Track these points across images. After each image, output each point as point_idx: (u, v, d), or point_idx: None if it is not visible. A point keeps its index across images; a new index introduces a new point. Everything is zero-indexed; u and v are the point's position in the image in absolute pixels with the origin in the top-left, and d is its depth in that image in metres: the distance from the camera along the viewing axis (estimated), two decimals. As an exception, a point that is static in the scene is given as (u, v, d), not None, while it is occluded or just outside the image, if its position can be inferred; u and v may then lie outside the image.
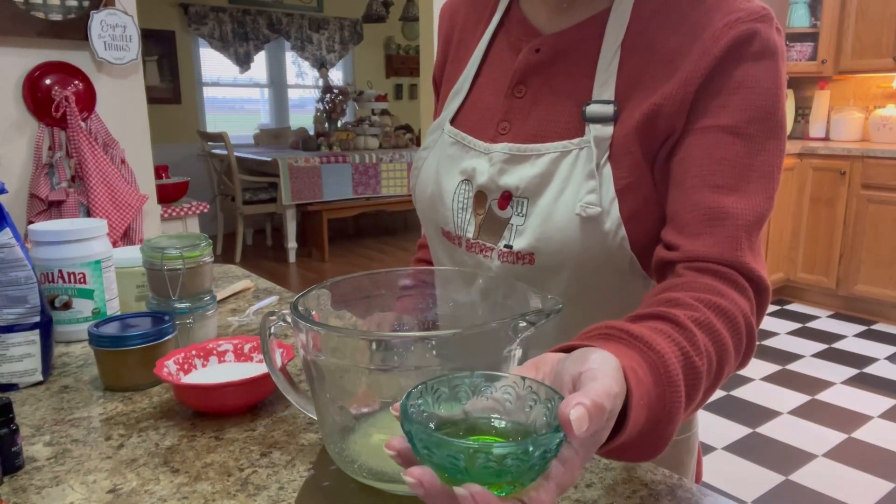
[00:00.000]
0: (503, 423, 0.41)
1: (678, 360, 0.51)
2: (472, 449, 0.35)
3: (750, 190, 0.63)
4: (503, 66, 0.79)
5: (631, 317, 0.56)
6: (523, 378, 0.42)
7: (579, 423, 0.37)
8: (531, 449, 0.35)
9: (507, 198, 0.73)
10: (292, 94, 6.98)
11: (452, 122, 0.82)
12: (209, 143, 5.42)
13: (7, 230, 0.79)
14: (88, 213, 2.10)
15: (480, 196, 0.76)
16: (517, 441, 0.37)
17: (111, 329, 0.80)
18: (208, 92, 6.37)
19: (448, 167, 0.80)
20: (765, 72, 0.64)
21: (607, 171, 0.68)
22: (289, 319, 0.59)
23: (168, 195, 2.83)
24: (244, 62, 6.42)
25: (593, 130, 0.69)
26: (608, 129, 0.68)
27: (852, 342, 3.54)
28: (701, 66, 0.64)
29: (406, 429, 0.37)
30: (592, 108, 0.69)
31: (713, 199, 0.63)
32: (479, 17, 0.84)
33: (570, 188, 0.69)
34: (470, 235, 0.77)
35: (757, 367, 3.20)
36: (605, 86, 0.69)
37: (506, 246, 0.73)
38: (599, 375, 0.41)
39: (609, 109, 0.68)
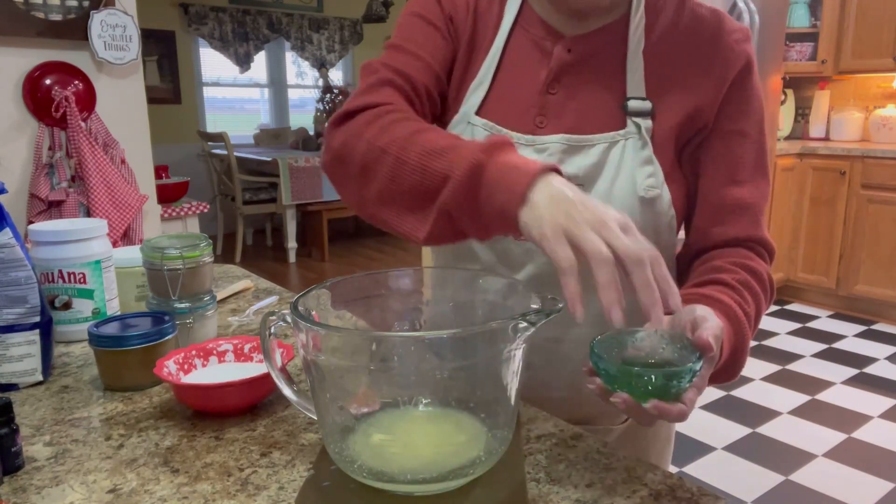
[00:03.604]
0: (654, 360, 0.59)
1: (739, 308, 0.70)
2: (656, 374, 0.54)
3: (760, 181, 0.81)
4: (528, 63, 0.83)
5: (695, 283, 0.75)
6: (655, 331, 0.58)
7: (713, 344, 0.55)
8: (690, 367, 0.54)
9: None
10: (292, 94, 6.98)
11: (477, 114, 0.83)
12: (209, 143, 5.42)
13: (7, 230, 0.79)
14: (88, 213, 2.10)
15: None
16: (678, 367, 0.55)
17: (111, 329, 0.80)
18: (208, 92, 6.37)
19: None
20: (758, 84, 0.82)
21: (654, 158, 0.78)
22: (289, 319, 0.59)
23: (168, 195, 2.83)
24: (244, 62, 6.42)
25: (640, 122, 0.78)
26: (648, 123, 0.78)
27: (852, 342, 3.54)
28: (726, 78, 0.79)
29: (603, 367, 0.55)
30: (633, 104, 0.78)
31: (737, 192, 0.80)
32: (491, 11, 0.86)
33: (622, 174, 0.77)
34: None
35: (757, 367, 3.20)
36: (636, 85, 0.79)
37: None
38: (709, 317, 0.59)
39: (647, 105, 0.78)
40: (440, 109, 0.87)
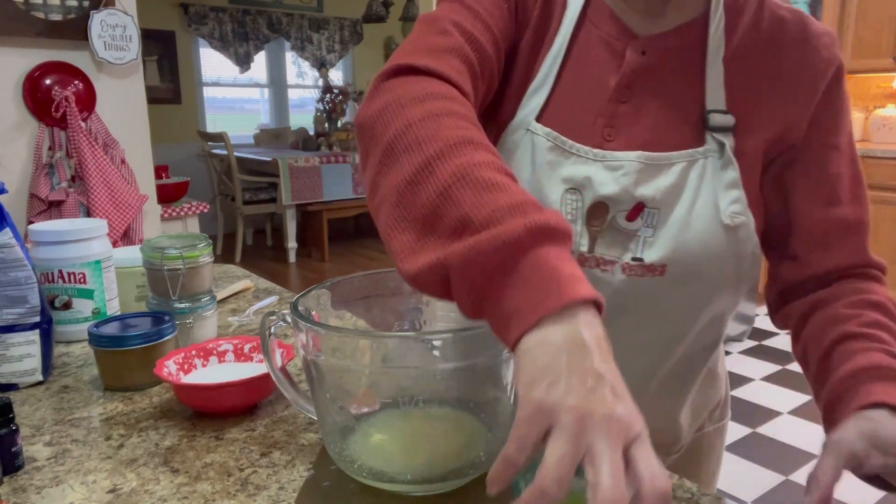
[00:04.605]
0: None
1: (888, 356, 0.62)
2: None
3: (859, 196, 0.73)
4: (596, 64, 0.73)
5: (822, 353, 0.67)
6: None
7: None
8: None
9: (638, 209, 0.70)
10: (292, 94, 6.98)
11: (538, 121, 0.74)
12: (209, 143, 5.42)
13: (7, 230, 0.79)
14: (88, 213, 2.10)
15: (600, 207, 0.70)
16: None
17: (111, 329, 0.80)
18: (208, 92, 6.37)
19: (548, 175, 0.72)
20: (847, 93, 0.73)
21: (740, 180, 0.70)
22: (289, 319, 0.59)
23: (168, 195, 2.83)
24: (244, 62, 6.42)
25: (722, 140, 0.69)
26: (730, 139, 0.70)
27: (852, 342, 3.54)
28: (817, 88, 0.70)
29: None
30: (715, 118, 0.69)
31: (839, 212, 0.72)
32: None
33: (702, 198, 0.69)
34: (584, 249, 0.72)
35: (757, 367, 3.20)
36: (716, 96, 0.70)
37: (634, 259, 0.70)
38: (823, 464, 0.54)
39: (730, 120, 0.70)
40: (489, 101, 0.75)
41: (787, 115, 0.70)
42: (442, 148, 0.49)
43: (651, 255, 0.69)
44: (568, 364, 0.40)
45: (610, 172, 0.70)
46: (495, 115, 0.77)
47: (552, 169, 0.72)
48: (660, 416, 0.81)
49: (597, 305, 0.43)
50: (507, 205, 0.44)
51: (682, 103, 0.71)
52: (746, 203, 0.70)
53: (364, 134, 0.57)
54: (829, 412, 0.64)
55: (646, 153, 0.69)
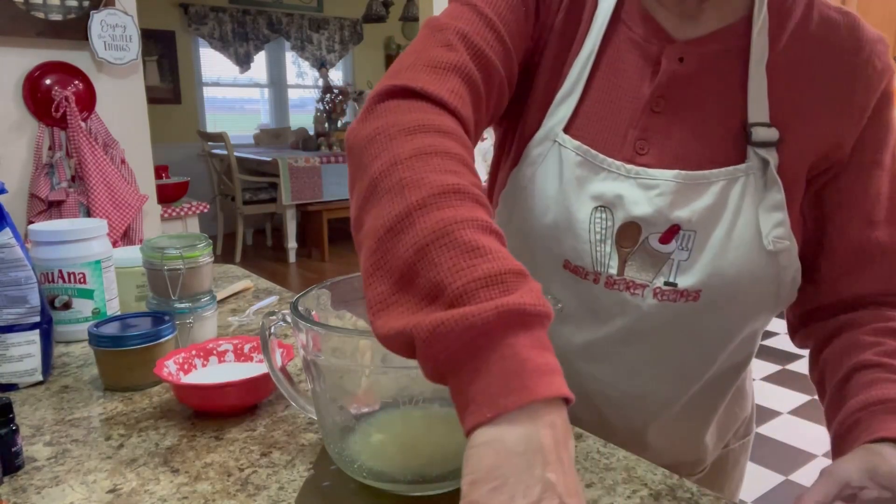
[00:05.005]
0: None
1: None
2: None
3: None
4: (629, 70, 0.68)
5: (837, 383, 0.64)
6: None
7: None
8: None
9: (673, 231, 0.65)
10: (292, 94, 6.98)
11: (565, 132, 0.69)
12: (209, 143, 5.42)
13: (7, 230, 0.79)
14: (88, 213, 2.10)
15: (631, 228, 0.66)
16: None
17: (111, 329, 0.80)
18: (208, 92, 6.37)
19: (577, 190, 0.67)
20: (894, 104, 0.67)
21: (784, 201, 0.64)
22: (289, 319, 0.59)
23: (168, 195, 2.83)
24: (244, 62, 6.42)
25: (766, 156, 0.64)
26: (774, 155, 0.64)
27: (852, 342, 3.54)
28: (867, 103, 0.65)
29: None
30: (759, 132, 0.64)
31: (872, 235, 0.66)
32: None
33: (742, 220, 0.64)
34: (613, 271, 0.67)
35: (757, 367, 3.19)
36: (759, 107, 0.64)
37: (667, 283, 0.66)
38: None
39: (774, 134, 0.64)
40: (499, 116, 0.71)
41: (835, 130, 0.65)
42: (426, 197, 0.45)
43: (685, 281, 0.65)
44: (517, 469, 0.36)
45: (643, 191, 0.65)
46: (518, 123, 0.72)
47: (581, 185, 0.67)
48: (684, 438, 0.78)
49: (566, 401, 0.40)
50: (484, 276, 0.40)
51: (722, 115, 0.65)
52: (790, 226, 0.65)
53: (353, 156, 0.54)
54: (839, 442, 0.62)
55: (683, 172, 0.64)
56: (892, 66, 0.65)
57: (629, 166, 0.66)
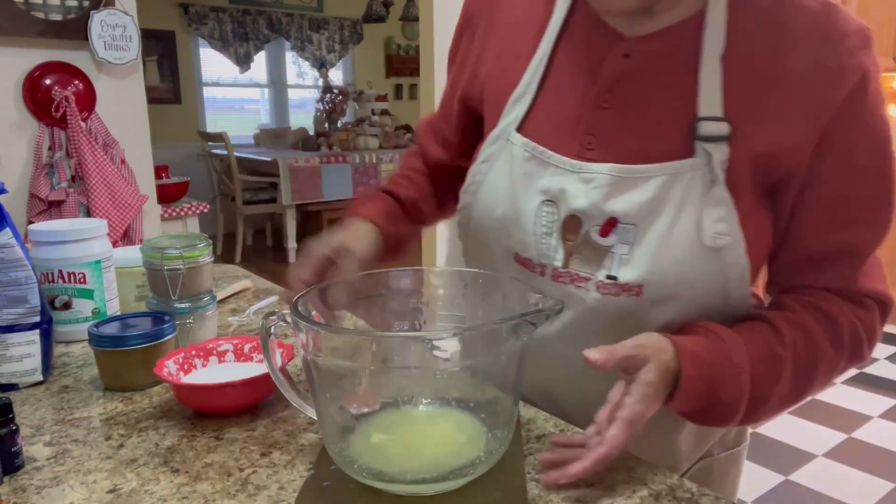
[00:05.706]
0: None
1: (752, 344, 0.63)
2: None
3: (879, 220, 0.66)
4: (579, 70, 0.70)
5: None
6: None
7: (614, 353, 0.57)
8: None
9: (611, 224, 0.66)
10: (292, 94, 6.97)
11: (518, 131, 0.72)
12: (209, 143, 5.42)
13: (7, 230, 0.79)
14: (88, 213, 2.10)
15: (573, 221, 0.67)
16: None
17: (111, 329, 0.80)
18: (208, 92, 6.36)
19: (525, 185, 0.70)
20: (880, 104, 0.64)
21: (729, 197, 0.63)
22: (289, 319, 0.59)
23: (168, 195, 2.83)
24: (244, 62, 6.42)
25: (712, 151, 0.62)
26: (724, 151, 0.62)
27: (852, 342, 3.54)
28: (830, 101, 0.61)
29: None
30: (707, 126, 0.62)
31: (840, 236, 0.66)
32: (529, 7, 0.75)
33: (685, 215, 0.63)
34: (558, 264, 0.69)
35: (757, 367, 3.19)
36: (712, 101, 0.63)
37: (608, 277, 0.66)
38: (640, 341, 0.60)
39: (724, 128, 0.62)
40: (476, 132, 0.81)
41: (794, 127, 0.62)
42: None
43: (626, 275, 0.65)
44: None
45: (583, 185, 0.66)
46: (482, 125, 0.78)
47: (529, 180, 0.70)
48: (652, 440, 0.69)
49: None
50: None
51: (670, 109, 0.65)
52: (737, 221, 0.63)
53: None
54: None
55: (618, 165, 0.65)
56: (865, 63, 0.61)
57: (574, 161, 0.68)
